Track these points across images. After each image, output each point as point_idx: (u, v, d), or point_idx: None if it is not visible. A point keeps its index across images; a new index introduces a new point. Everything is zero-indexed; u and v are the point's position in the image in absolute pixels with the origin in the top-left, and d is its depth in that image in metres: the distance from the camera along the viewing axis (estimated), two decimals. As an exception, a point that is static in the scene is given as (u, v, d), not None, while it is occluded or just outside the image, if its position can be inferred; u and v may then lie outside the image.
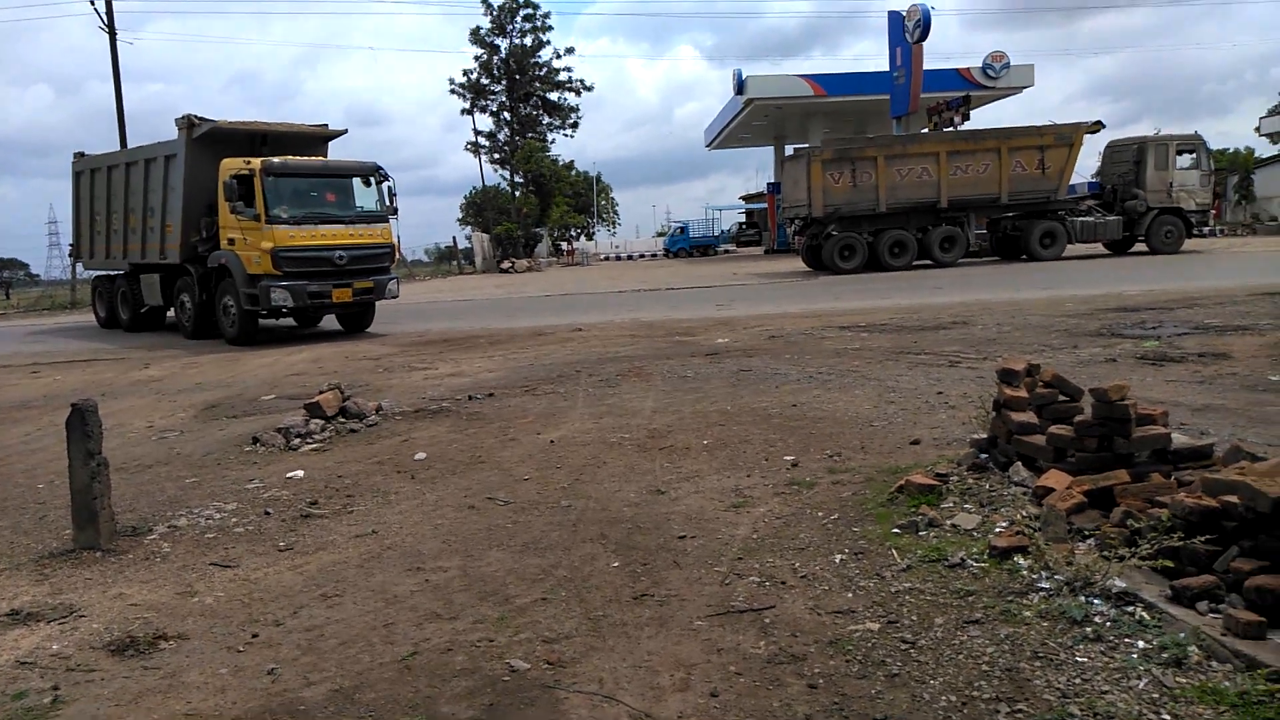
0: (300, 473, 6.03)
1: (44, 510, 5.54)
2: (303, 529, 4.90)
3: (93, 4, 32.01)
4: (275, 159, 14.56)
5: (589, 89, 53.45)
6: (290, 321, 17.47)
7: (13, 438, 8.02)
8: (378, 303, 16.27)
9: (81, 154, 19.31)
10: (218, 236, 15.11)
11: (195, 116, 15.33)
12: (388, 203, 15.72)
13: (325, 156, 16.69)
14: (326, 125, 17.04)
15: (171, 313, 17.52)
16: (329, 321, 17.38)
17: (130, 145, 24.36)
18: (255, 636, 3.54)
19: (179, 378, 11.43)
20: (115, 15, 31.05)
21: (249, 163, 14.33)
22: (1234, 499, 3.10)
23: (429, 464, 6.13)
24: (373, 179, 15.49)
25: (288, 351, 13.66)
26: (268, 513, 5.19)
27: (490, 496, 5.25)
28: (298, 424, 7.16)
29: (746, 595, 3.62)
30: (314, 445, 6.86)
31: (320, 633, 3.54)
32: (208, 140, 15.24)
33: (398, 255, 17.28)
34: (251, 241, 14.29)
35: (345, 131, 17.35)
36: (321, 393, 7.61)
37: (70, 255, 21.68)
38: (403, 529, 4.78)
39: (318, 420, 7.27)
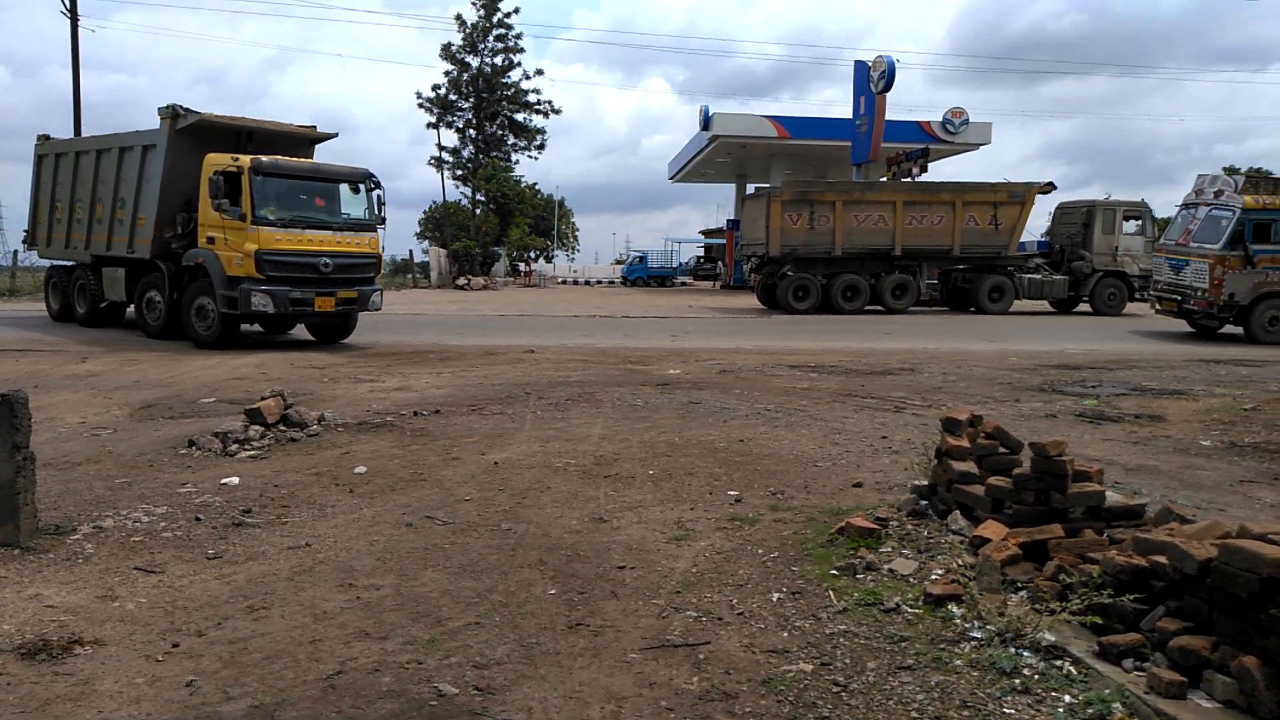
0: (235, 479, 5.88)
1: (-38, 503, 5.32)
2: (233, 537, 4.78)
3: (56, -12, 31.47)
4: (265, 158, 13.95)
5: (557, 112, 53.47)
6: (255, 327, 16.74)
7: (-65, 425, 7.72)
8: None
9: (47, 137, 18.26)
10: (195, 234, 14.39)
11: (180, 107, 14.45)
12: (376, 211, 15.22)
13: (311, 159, 16.08)
14: (315, 127, 16.44)
15: (131, 310, 16.73)
16: (299, 330, 16.69)
17: (85, 134, 23.56)
18: (176, 646, 3.43)
19: (117, 374, 11.13)
20: (80, 1, 30.51)
21: (237, 159, 13.73)
22: (1163, 559, 3.17)
23: (369, 478, 6.03)
24: (363, 186, 15.01)
25: (232, 355, 13.38)
26: (198, 519, 5.06)
27: (429, 515, 5.17)
28: (236, 429, 7.00)
29: (682, 629, 3.61)
30: (252, 452, 6.71)
31: (244, 646, 3.45)
32: (191, 133, 14.49)
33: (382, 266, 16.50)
34: (234, 242, 13.65)
35: (335, 135, 16.80)
36: (264, 399, 7.46)
37: (24, 242, 19.59)
38: (337, 543, 4.69)
39: (257, 427, 7.12)
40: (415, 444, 7.11)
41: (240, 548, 4.62)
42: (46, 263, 19.51)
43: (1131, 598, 3.21)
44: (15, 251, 35.51)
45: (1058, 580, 3.48)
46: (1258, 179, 18.12)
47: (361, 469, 6.25)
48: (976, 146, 41.22)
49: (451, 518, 5.13)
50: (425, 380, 10.83)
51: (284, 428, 7.29)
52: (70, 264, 17.93)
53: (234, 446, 6.76)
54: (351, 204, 14.98)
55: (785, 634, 3.54)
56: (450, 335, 16.97)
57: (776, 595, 3.93)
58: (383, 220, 15.42)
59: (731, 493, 5.67)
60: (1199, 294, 17.67)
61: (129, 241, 15.41)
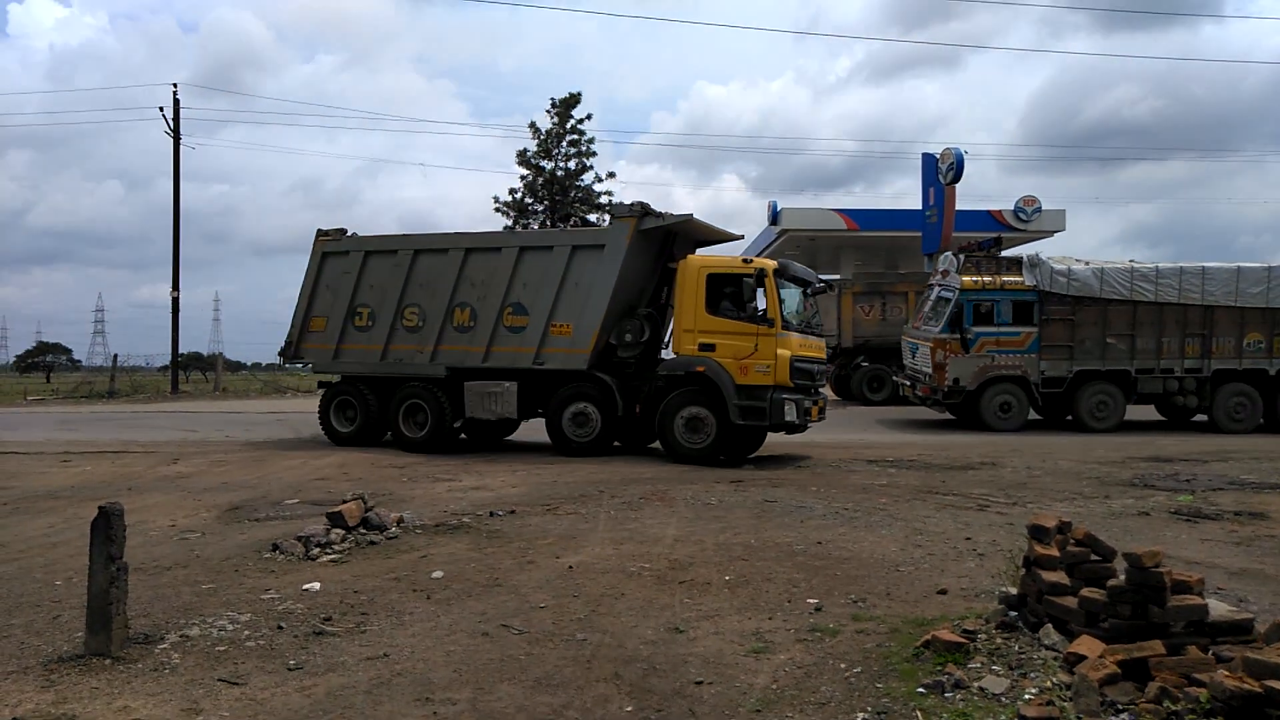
0: (317, 585, 5.97)
1: (58, 609, 5.51)
2: (314, 647, 4.82)
3: (161, 111, 33.86)
4: (786, 262, 13.59)
5: (628, 211, 54.85)
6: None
7: (36, 529, 8.04)
8: None
9: (342, 231, 15.64)
10: (651, 341, 13.83)
11: (649, 206, 13.54)
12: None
13: None
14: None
15: (517, 428, 15.52)
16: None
17: (182, 242, 23.82)
18: (257, 763, 3.45)
19: (206, 475, 11.49)
20: (193, 121, 32.74)
21: (750, 260, 13.32)
22: (1278, 684, 2.98)
23: (445, 583, 6.06)
24: (815, 289, 14.56)
25: (314, 455, 13.73)
26: (280, 627, 5.13)
27: (505, 624, 5.16)
28: (318, 533, 7.13)
29: (764, 752, 3.49)
30: (332, 556, 6.81)
31: (323, 764, 3.45)
32: (644, 235, 13.62)
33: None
34: (762, 349, 12.65)
35: (739, 237, 16.00)
36: (345, 502, 7.61)
37: (282, 354, 16.15)
38: (414, 654, 4.70)
39: (339, 530, 7.24)
40: (491, 546, 7.14)
41: (320, 658, 4.66)
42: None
43: (1245, 726, 3.02)
44: (115, 355, 37.45)
45: (1161, 704, 3.29)
46: (979, 258, 17.33)
47: (438, 573, 6.28)
48: (1050, 234, 40.72)
49: (527, 626, 5.11)
50: (501, 479, 10.92)
51: (364, 530, 7.41)
52: (384, 378, 14.98)
53: (315, 550, 6.88)
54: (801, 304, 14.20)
55: (871, 758, 3.40)
56: (524, 430, 17.11)
57: (861, 715, 3.79)
58: None
59: (811, 600, 5.53)
60: (925, 378, 17.01)
61: (535, 352, 13.89)
